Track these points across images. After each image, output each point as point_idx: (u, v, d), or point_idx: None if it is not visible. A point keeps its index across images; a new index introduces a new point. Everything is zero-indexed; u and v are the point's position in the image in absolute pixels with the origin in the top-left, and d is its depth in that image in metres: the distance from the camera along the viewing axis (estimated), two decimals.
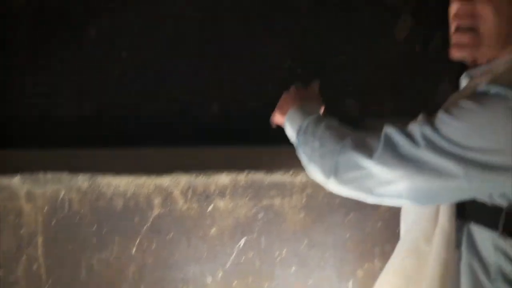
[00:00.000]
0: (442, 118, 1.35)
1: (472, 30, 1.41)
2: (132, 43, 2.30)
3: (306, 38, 2.45)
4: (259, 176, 2.06)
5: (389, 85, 2.57)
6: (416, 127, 1.38)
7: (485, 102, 1.28)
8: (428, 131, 1.35)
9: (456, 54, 1.46)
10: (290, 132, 1.77)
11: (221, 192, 2.06)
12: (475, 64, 1.48)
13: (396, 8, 2.56)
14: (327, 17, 2.61)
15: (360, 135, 1.50)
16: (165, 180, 2.07)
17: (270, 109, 1.93)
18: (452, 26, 1.46)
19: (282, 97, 1.88)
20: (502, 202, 1.35)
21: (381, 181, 1.39)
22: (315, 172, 1.58)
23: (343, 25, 2.62)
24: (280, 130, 1.88)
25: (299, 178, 2.05)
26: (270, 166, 2.08)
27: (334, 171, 1.49)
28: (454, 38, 1.46)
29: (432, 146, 1.32)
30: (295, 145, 1.71)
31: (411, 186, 1.34)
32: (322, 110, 1.86)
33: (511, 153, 1.25)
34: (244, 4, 2.42)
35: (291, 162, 1.91)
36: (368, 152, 1.42)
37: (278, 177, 2.06)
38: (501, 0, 1.38)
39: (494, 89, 1.28)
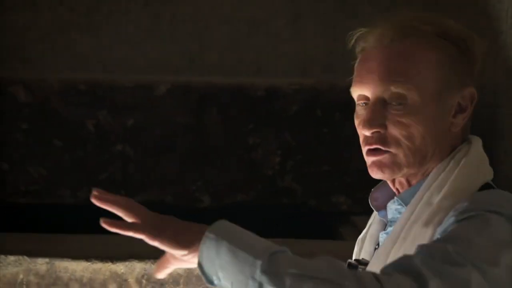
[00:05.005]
0: None
1: (388, 152, 1.31)
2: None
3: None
4: None
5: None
6: None
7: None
8: None
9: (376, 173, 1.33)
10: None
11: (175, 280, 2.11)
12: (398, 188, 1.37)
13: None
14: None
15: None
16: (120, 267, 2.12)
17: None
18: (364, 148, 1.33)
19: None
20: None
21: None
22: None
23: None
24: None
25: None
26: None
27: None
28: (371, 158, 1.33)
29: None
30: None
31: None
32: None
33: None
34: None
35: None
36: None
37: None
38: (416, 121, 1.29)
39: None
